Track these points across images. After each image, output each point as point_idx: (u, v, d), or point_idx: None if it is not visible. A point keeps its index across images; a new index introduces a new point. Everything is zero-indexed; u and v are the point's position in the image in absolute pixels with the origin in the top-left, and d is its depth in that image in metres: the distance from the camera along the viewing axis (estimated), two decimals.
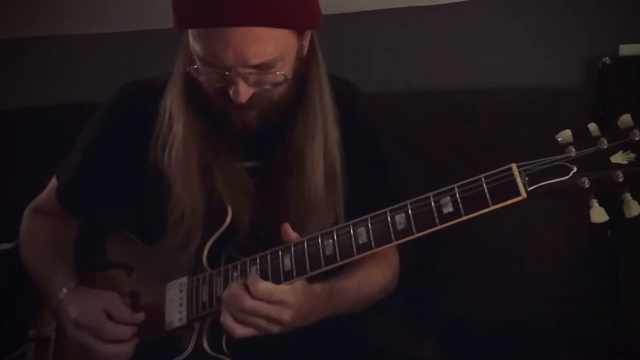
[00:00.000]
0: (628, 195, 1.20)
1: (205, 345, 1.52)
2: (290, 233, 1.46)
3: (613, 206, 1.25)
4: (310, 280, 1.46)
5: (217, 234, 1.56)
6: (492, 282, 1.95)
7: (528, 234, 1.94)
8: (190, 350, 1.53)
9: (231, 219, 1.56)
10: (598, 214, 1.24)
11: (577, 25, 2.16)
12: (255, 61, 1.42)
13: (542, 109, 2.05)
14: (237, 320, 1.41)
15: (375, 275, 1.65)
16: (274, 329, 1.42)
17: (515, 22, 2.22)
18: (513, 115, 2.07)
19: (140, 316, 1.58)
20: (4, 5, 2.61)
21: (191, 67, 1.47)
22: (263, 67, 1.44)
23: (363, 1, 2.29)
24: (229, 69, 1.43)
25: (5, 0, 2.61)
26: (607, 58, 2.07)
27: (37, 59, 2.64)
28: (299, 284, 1.44)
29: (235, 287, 1.42)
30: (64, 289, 1.63)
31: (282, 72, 1.46)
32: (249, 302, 1.39)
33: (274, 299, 1.40)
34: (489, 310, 1.94)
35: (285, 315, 1.41)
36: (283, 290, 1.42)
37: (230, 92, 1.46)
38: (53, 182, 1.79)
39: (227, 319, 1.42)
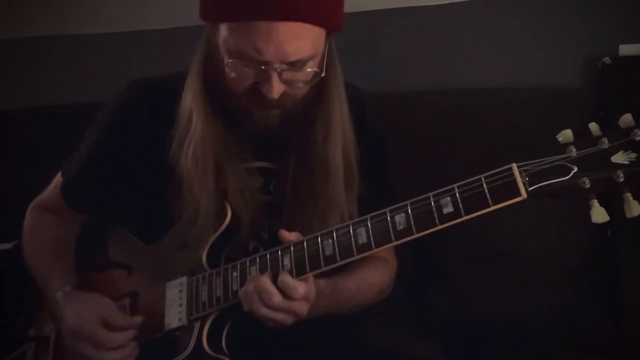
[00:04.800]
0: (629, 196, 1.20)
1: (205, 345, 1.52)
2: (288, 236, 1.47)
3: (613, 206, 1.25)
4: (315, 276, 1.47)
5: (216, 234, 1.56)
6: (492, 283, 1.95)
7: (528, 234, 1.94)
8: (190, 350, 1.52)
9: (231, 220, 1.56)
10: (599, 214, 1.24)
11: (577, 25, 2.16)
12: (294, 57, 1.44)
13: (542, 109, 2.05)
14: (259, 314, 1.42)
15: (375, 277, 1.67)
16: (290, 321, 1.44)
17: (515, 22, 2.22)
18: (513, 115, 2.07)
19: (138, 320, 1.58)
20: (4, 5, 2.62)
21: (228, 61, 1.46)
22: (298, 65, 1.45)
23: (363, 1, 2.29)
24: (266, 64, 1.43)
25: (5, 0, 2.61)
26: (607, 58, 2.06)
27: (37, 59, 2.64)
28: (310, 276, 1.45)
29: (264, 283, 1.41)
30: (60, 292, 1.63)
31: (313, 69, 1.48)
32: (278, 300, 1.40)
33: (304, 296, 1.42)
34: (489, 311, 1.94)
35: (305, 309, 1.43)
36: (310, 287, 1.43)
37: (263, 89, 1.46)
38: (58, 178, 1.78)
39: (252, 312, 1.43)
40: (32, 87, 2.62)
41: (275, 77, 1.44)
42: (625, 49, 2.10)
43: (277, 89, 1.45)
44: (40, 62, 2.63)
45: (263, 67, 1.44)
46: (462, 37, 2.27)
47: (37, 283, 1.72)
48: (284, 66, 1.44)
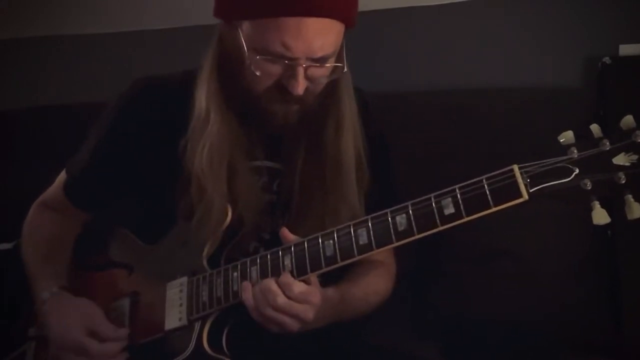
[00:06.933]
0: (630, 197, 1.20)
1: (205, 345, 1.52)
2: (289, 236, 1.47)
3: (613, 206, 1.25)
4: (322, 284, 1.47)
5: (218, 234, 1.56)
6: (492, 283, 1.95)
7: (529, 235, 1.95)
8: (190, 350, 1.53)
9: (234, 219, 1.55)
10: (600, 216, 1.24)
11: (577, 25, 2.16)
12: (320, 53, 1.45)
13: (542, 109, 2.05)
14: (264, 316, 1.42)
15: (379, 284, 1.69)
16: (295, 327, 1.43)
17: (515, 22, 2.22)
18: (513, 115, 2.07)
19: (124, 332, 1.58)
20: (4, 5, 2.62)
21: (254, 58, 1.46)
22: (322, 60, 1.47)
23: (363, 1, 2.29)
24: (292, 60, 1.44)
25: (5, 0, 2.61)
26: (607, 58, 2.06)
27: (37, 59, 2.64)
28: (316, 282, 1.45)
29: (269, 284, 1.42)
30: (46, 292, 1.63)
31: (332, 65, 1.50)
32: (282, 300, 1.40)
33: (306, 299, 1.42)
34: (489, 311, 1.94)
35: (310, 314, 1.43)
36: (313, 291, 1.43)
37: (288, 85, 1.47)
38: (62, 175, 1.78)
39: (255, 316, 1.44)
40: (32, 87, 2.62)
41: (301, 73, 1.45)
42: (625, 49, 2.10)
43: (302, 84, 1.46)
44: (40, 62, 2.63)
45: (288, 63, 1.45)
46: (462, 37, 2.27)
47: (28, 281, 1.71)
48: (309, 62, 1.45)
